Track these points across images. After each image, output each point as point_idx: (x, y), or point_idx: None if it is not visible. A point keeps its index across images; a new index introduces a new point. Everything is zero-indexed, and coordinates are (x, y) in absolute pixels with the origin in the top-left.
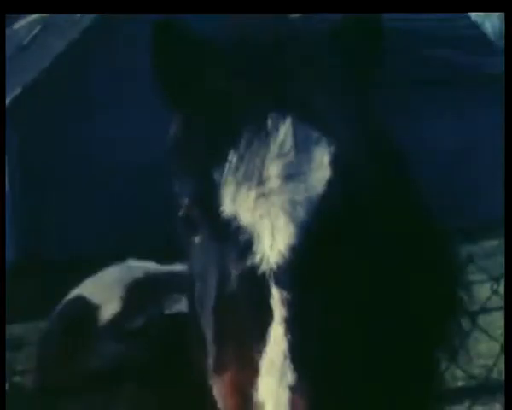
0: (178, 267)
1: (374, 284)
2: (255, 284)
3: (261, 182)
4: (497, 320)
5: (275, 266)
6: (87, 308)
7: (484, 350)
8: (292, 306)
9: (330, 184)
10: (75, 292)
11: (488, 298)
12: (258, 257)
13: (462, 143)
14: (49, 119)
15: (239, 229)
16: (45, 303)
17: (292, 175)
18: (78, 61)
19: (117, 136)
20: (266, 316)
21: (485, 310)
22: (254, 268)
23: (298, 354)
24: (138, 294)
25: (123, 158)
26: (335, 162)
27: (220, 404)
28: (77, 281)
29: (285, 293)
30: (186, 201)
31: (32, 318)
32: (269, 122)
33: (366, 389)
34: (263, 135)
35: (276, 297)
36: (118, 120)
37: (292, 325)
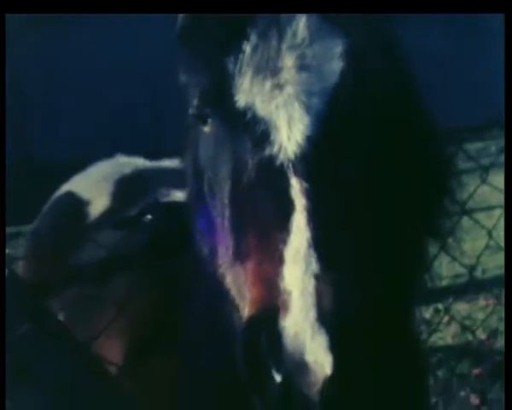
0: (166, 163)
1: (378, 169)
2: (274, 173)
3: (275, 73)
4: (485, 211)
5: (293, 157)
6: (77, 203)
7: (468, 249)
8: (312, 196)
9: (343, 74)
10: (64, 188)
11: (477, 187)
12: (275, 147)
13: (461, 45)
14: (35, 22)
15: (255, 119)
16: (39, 205)
17: (306, 66)
18: None
19: (106, 37)
20: (288, 206)
21: (473, 203)
22: (272, 158)
23: (321, 242)
24: (127, 188)
25: (111, 59)
26: (348, 53)
27: (238, 291)
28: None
29: (304, 183)
30: (197, 90)
31: (27, 220)
32: (282, 12)
33: (377, 275)
34: (276, 26)
35: (297, 188)
36: (106, 23)
37: (314, 214)
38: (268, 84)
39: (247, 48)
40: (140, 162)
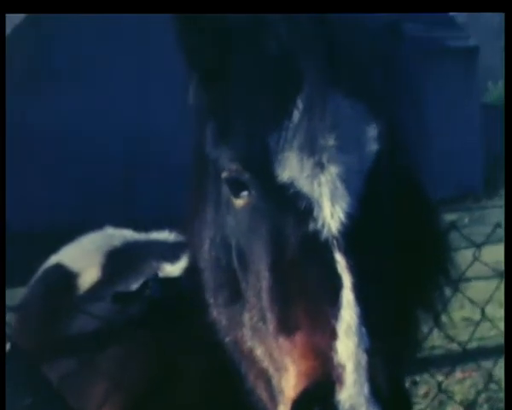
0: (154, 235)
1: (398, 245)
2: (319, 248)
3: (318, 151)
4: (478, 287)
5: (337, 233)
6: (67, 275)
7: (461, 319)
8: (358, 272)
9: (379, 155)
10: (54, 259)
11: (470, 265)
12: (319, 223)
13: (437, 116)
14: (19, 90)
15: (297, 195)
16: (27, 274)
17: (346, 147)
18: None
19: (86, 107)
20: (336, 281)
21: (466, 277)
22: (317, 234)
23: (371, 318)
24: (118, 260)
25: (92, 128)
26: (383, 137)
27: (274, 363)
28: (55, 250)
29: (350, 260)
30: (234, 165)
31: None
32: (323, 95)
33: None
34: (318, 106)
35: (343, 264)
36: (87, 93)
37: (361, 290)
38: (310, 161)
39: (290, 126)
40: (129, 234)
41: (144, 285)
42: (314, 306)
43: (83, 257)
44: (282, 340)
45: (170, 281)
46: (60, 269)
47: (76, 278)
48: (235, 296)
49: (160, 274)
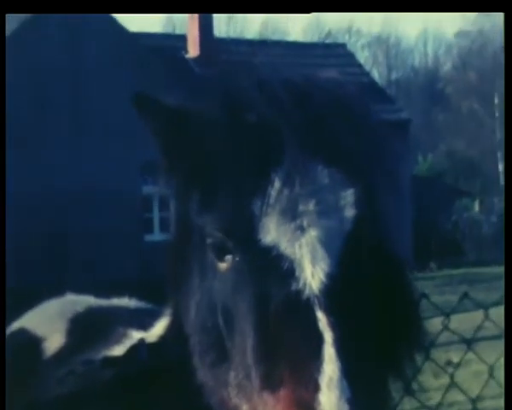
0: (115, 301)
1: (374, 305)
2: (301, 307)
3: (298, 215)
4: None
5: (317, 292)
6: (31, 341)
7: (433, 383)
8: (338, 328)
9: (357, 220)
10: (17, 325)
11: (439, 334)
12: (301, 283)
13: None
14: None
15: (279, 257)
16: None
17: (325, 212)
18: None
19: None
20: (318, 337)
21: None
22: (299, 293)
23: (351, 371)
24: (82, 327)
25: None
26: (361, 202)
27: None
28: (15, 313)
29: (331, 317)
30: (218, 234)
31: None
32: (303, 165)
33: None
34: (297, 173)
35: (324, 321)
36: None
37: (342, 346)
38: (292, 225)
39: (273, 193)
40: (91, 300)
41: (132, 349)
42: (297, 361)
43: (46, 323)
44: (266, 395)
45: (156, 346)
46: (23, 334)
47: (41, 344)
48: (221, 357)
49: (147, 339)
